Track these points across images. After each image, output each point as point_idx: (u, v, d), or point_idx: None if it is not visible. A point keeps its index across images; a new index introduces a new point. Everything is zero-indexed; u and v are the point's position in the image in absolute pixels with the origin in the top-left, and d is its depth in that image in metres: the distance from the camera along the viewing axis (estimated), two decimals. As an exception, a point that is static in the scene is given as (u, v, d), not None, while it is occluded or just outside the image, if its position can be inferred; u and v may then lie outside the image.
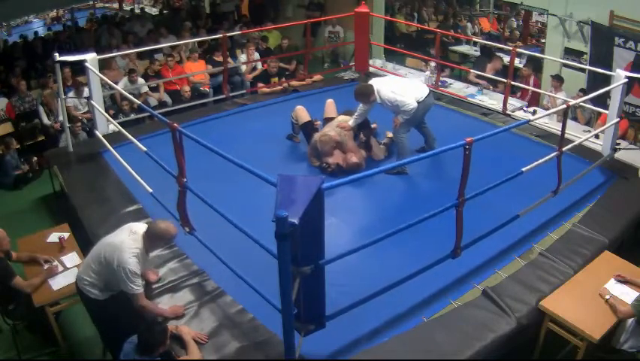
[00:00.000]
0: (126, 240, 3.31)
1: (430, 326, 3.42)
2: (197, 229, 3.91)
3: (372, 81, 5.41)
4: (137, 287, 3.26)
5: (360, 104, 5.33)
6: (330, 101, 5.93)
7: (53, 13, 15.76)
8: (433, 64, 7.68)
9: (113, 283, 3.35)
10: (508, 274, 3.89)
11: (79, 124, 6.69)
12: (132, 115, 6.94)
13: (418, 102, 5.13)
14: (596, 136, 5.47)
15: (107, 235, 3.49)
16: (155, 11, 14.10)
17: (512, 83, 6.57)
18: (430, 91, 5.39)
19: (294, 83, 7.76)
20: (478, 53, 9.94)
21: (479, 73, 7.60)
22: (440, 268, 3.58)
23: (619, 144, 5.49)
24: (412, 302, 3.60)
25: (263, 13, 11.97)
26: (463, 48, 10.63)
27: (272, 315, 2.96)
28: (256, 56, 8.66)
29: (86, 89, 6.23)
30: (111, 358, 3.62)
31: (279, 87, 7.63)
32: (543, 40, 9.01)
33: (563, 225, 4.48)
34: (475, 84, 7.60)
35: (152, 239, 3.39)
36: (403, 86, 5.25)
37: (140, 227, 3.46)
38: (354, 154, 5.29)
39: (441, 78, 7.53)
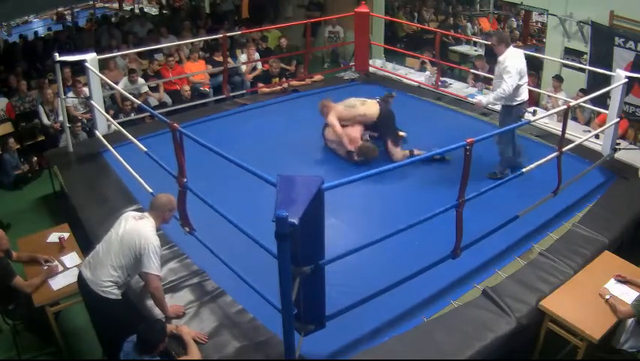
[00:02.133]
0: (138, 223, 3.32)
1: (430, 326, 3.42)
2: (197, 229, 3.92)
3: (514, 50, 4.92)
4: (158, 266, 3.28)
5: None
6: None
7: (59, 11, 15.81)
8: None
9: (132, 273, 3.36)
10: (508, 274, 3.89)
11: (79, 124, 6.69)
12: (132, 115, 6.94)
13: (523, 101, 4.88)
14: (596, 136, 5.47)
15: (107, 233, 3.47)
16: (155, 11, 14.11)
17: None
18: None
19: (294, 83, 7.76)
20: (477, 53, 9.95)
21: (476, 72, 7.63)
22: (440, 268, 3.58)
23: (619, 144, 5.49)
24: (412, 302, 3.61)
25: (263, 13, 11.97)
26: (463, 48, 10.63)
27: (272, 315, 2.97)
28: (256, 56, 8.67)
29: (86, 89, 6.24)
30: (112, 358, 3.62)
31: (279, 87, 7.63)
32: (544, 40, 9.02)
33: (563, 225, 4.48)
34: (474, 86, 7.63)
35: (159, 213, 3.41)
36: (525, 73, 4.88)
37: (138, 213, 3.49)
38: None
39: (441, 78, 7.53)
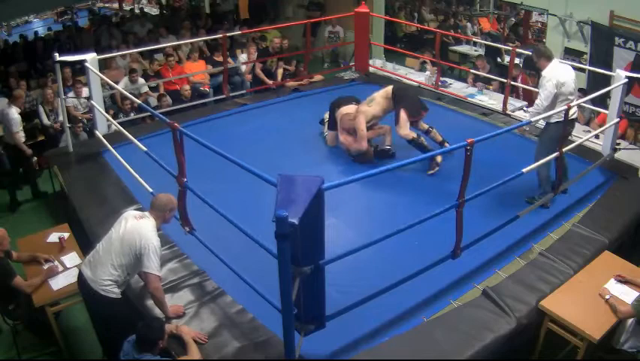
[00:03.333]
0: (139, 223, 3.31)
1: (430, 326, 3.42)
2: (197, 229, 3.92)
3: (557, 63, 4.55)
4: (158, 266, 3.28)
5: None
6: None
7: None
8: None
9: (132, 273, 3.36)
10: (508, 274, 3.89)
11: (79, 124, 6.68)
12: (132, 115, 6.94)
13: (559, 120, 4.37)
14: (596, 136, 5.47)
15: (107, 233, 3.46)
16: (155, 11, 14.12)
17: (512, 83, 6.57)
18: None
19: (291, 83, 7.76)
20: (477, 53, 9.97)
21: (476, 72, 7.64)
22: (440, 268, 3.58)
23: (619, 144, 5.49)
24: (412, 302, 3.60)
25: (263, 13, 11.98)
26: (463, 48, 10.64)
27: (272, 315, 2.96)
28: (255, 55, 8.66)
29: (86, 89, 6.23)
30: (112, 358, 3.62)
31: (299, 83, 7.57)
32: (544, 40, 9.03)
33: (563, 225, 4.48)
34: (473, 85, 7.64)
35: (160, 213, 3.41)
36: (567, 87, 4.43)
37: (139, 212, 3.48)
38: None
39: (441, 78, 7.53)
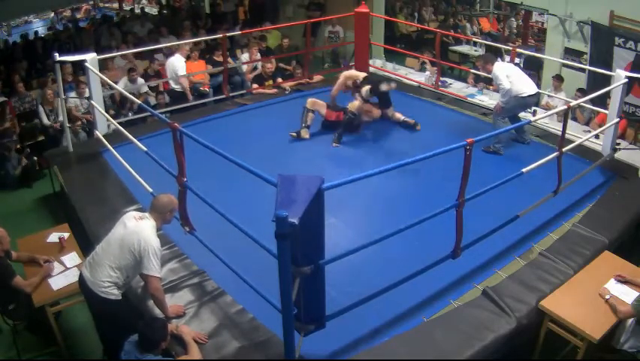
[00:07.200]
0: (139, 224, 3.30)
1: (430, 326, 3.42)
2: (197, 229, 3.92)
3: (499, 62, 5.87)
4: (158, 268, 3.28)
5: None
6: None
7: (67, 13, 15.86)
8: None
9: (132, 275, 3.36)
10: (508, 274, 3.89)
11: (79, 123, 6.67)
12: (130, 114, 6.93)
13: (518, 95, 5.44)
14: (596, 136, 5.47)
15: (107, 234, 3.46)
16: (155, 11, 14.12)
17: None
18: (537, 93, 5.69)
19: (289, 83, 7.75)
20: (477, 53, 9.97)
21: (476, 72, 7.65)
22: (440, 268, 3.58)
23: (619, 144, 5.49)
24: (412, 302, 3.61)
25: (263, 13, 11.97)
26: (463, 48, 10.64)
27: (272, 315, 2.97)
28: (258, 56, 8.64)
29: (86, 89, 6.23)
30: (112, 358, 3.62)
31: (274, 90, 7.58)
32: (544, 40, 9.02)
33: (563, 225, 4.48)
34: (474, 86, 7.65)
35: (160, 213, 3.40)
36: (516, 76, 5.56)
37: (139, 213, 3.48)
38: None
39: (441, 78, 7.53)
